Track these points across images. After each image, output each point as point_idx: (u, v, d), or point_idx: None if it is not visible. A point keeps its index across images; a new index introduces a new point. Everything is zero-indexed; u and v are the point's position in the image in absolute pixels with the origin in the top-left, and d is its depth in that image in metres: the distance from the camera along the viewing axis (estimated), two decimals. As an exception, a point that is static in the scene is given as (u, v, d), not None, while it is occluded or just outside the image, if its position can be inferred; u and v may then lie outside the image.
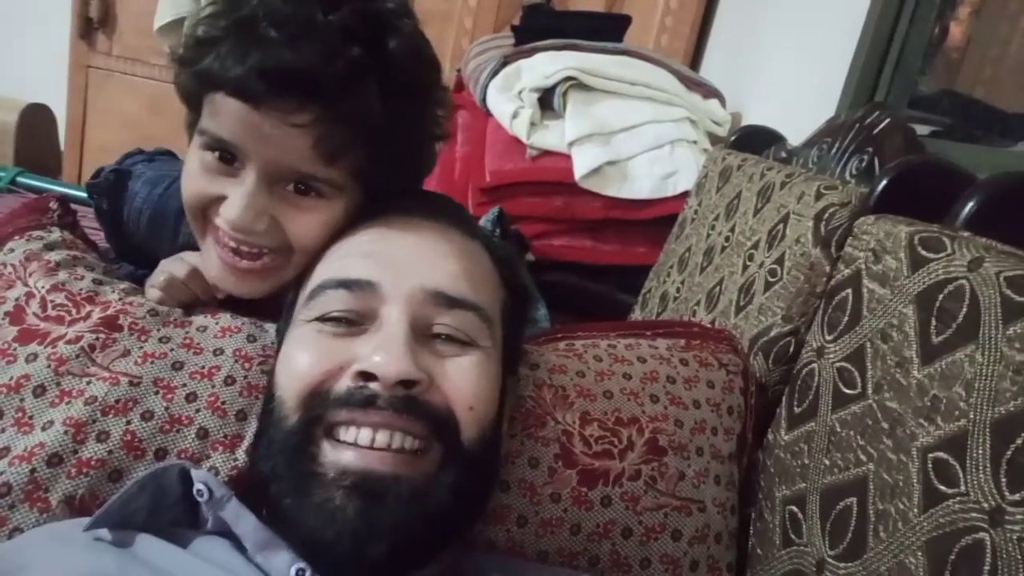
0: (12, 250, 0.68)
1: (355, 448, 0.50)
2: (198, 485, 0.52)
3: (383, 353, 0.51)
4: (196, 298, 0.69)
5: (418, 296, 0.55)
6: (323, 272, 0.59)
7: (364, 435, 0.51)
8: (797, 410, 0.71)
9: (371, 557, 0.48)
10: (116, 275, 0.73)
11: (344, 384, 0.52)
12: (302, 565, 0.49)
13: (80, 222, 0.77)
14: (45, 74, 2.52)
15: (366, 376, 0.51)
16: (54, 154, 2.39)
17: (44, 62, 2.57)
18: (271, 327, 0.68)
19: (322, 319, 0.55)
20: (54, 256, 0.68)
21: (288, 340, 0.58)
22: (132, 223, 0.80)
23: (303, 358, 0.54)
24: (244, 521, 0.51)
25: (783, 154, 1.14)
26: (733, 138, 1.33)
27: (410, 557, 0.51)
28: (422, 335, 0.55)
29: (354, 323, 0.55)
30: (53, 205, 0.74)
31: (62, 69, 2.45)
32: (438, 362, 0.54)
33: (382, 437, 0.50)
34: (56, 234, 0.71)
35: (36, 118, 2.17)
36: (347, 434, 0.51)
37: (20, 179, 1.82)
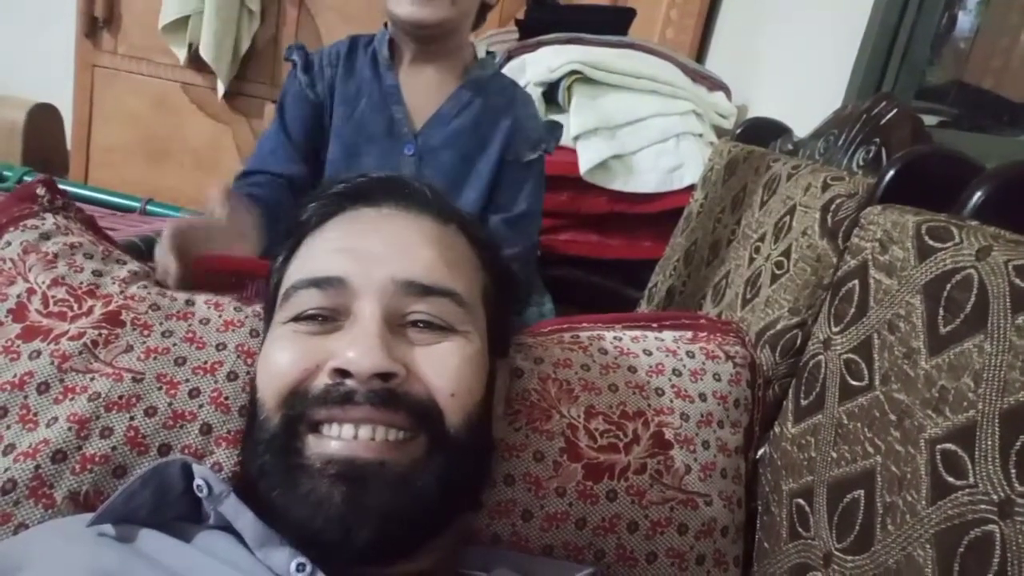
0: (9, 243, 0.68)
1: (339, 439, 0.50)
2: (198, 480, 0.52)
3: (356, 348, 0.51)
4: (200, 242, 0.72)
5: (390, 288, 0.54)
6: (295, 272, 0.59)
7: (347, 431, 0.50)
8: (804, 403, 0.70)
9: (359, 543, 0.48)
10: (117, 258, 0.72)
11: (321, 382, 0.52)
12: (302, 560, 0.48)
13: (73, 203, 0.76)
14: (51, 74, 2.53)
15: (342, 373, 0.51)
16: (61, 153, 2.40)
17: (50, 62, 2.58)
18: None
19: (296, 319, 0.55)
20: (51, 247, 0.68)
21: (266, 342, 0.58)
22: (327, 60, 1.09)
23: (280, 359, 0.54)
24: (243, 517, 0.51)
25: (789, 146, 1.13)
26: (739, 130, 1.32)
27: (399, 543, 0.51)
28: (397, 326, 0.54)
29: (328, 320, 0.55)
30: (40, 191, 0.73)
31: (68, 68, 2.45)
32: (415, 351, 0.54)
33: (364, 432, 0.50)
34: (49, 221, 0.71)
35: (43, 118, 2.18)
36: (330, 431, 0.51)
37: (27, 178, 1.83)
